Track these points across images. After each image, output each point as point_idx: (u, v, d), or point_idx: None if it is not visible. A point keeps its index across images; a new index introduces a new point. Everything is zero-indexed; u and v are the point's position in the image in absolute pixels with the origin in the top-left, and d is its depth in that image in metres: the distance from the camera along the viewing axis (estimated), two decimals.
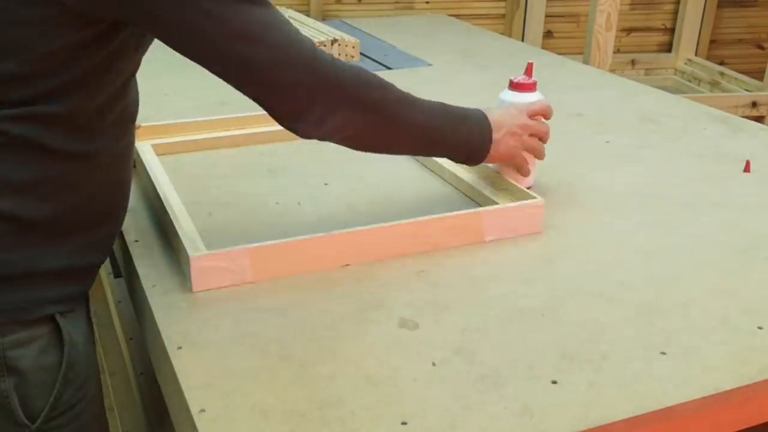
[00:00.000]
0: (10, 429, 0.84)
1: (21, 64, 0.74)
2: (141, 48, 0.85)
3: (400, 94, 0.93)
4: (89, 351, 0.90)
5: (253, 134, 1.31)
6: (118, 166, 0.89)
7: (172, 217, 0.95)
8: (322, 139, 0.89)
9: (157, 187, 1.04)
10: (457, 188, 1.16)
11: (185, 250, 0.87)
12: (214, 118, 1.32)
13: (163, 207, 0.98)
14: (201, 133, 1.30)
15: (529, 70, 1.15)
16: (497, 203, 1.04)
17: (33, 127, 0.77)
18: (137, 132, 1.21)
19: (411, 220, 0.96)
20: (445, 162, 1.18)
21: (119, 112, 0.85)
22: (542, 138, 1.10)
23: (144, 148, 1.20)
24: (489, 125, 1.03)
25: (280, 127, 0.88)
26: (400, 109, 0.93)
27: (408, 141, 0.97)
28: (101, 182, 0.85)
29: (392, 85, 0.93)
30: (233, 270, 0.88)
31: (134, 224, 1.02)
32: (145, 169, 1.12)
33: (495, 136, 1.03)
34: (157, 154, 1.19)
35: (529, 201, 1.02)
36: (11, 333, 0.81)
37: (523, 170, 1.10)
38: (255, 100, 0.85)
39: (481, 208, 1.01)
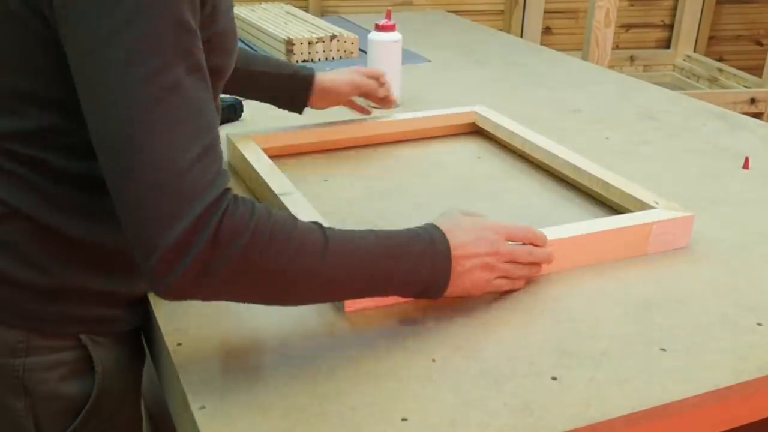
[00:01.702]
0: None
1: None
2: None
3: (311, 245, 0.69)
4: (127, 380, 0.86)
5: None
6: None
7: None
8: (194, 298, 0.67)
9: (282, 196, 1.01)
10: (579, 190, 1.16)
11: None
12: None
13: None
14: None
15: (388, 15, 1.48)
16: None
17: (87, 162, 0.73)
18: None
19: (588, 231, 0.93)
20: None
21: None
22: (516, 272, 0.86)
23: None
24: (446, 252, 0.79)
25: None
26: (307, 268, 0.69)
27: (320, 295, 0.74)
28: None
29: (305, 231, 0.69)
30: None
31: None
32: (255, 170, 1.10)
33: (458, 267, 0.80)
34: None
35: (679, 213, 0.98)
36: (36, 354, 0.78)
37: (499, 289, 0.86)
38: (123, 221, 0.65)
39: (652, 220, 0.95)
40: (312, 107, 1.25)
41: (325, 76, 1.24)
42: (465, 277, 0.81)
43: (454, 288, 0.80)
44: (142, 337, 0.90)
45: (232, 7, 0.82)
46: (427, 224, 0.81)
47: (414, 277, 0.77)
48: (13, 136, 0.74)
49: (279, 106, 1.24)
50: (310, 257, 0.69)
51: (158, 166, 0.62)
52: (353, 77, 1.26)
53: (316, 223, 0.72)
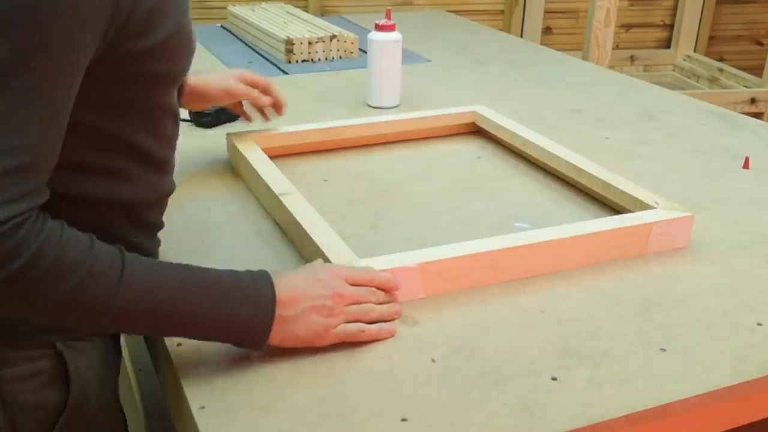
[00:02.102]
0: None
1: None
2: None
3: (103, 277, 0.66)
4: (103, 384, 0.84)
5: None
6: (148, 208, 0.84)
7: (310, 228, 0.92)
8: None
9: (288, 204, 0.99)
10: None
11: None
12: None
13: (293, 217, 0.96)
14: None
15: (388, 15, 1.48)
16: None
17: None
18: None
19: (589, 231, 0.93)
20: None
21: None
22: (368, 313, 0.79)
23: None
24: (270, 298, 0.73)
25: None
26: (93, 301, 0.66)
27: (110, 327, 0.70)
28: (125, 218, 0.80)
29: (98, 259, 0.66)
30: (403, 288, 0.84)
31: None
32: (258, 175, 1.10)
33: (284, 312, 0.74)
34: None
35: (679, 213, 0.98)
36: (11, 366, 0.76)
37: (359, 338, 0.78)
38: None
39: (652, 220, 0.96)
40: (182, 106, 1.08)
41: (198, 78, 1.15)
42: (296, 323, 0.74)
43: (285, 336, 0.74)
44: (120, 338, 0.89)
45: (185, 10, 0.78)
46: (258, 270, 0.76)
47: (226, 321, 0.72)
48: None
49: None
50: (97, 289, 0.66)
51: None
52: (228, 84, 1.17)
53: (118, 248, 0.69)
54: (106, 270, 0.66)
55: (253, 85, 1.19)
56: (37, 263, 0.63)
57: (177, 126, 0.87)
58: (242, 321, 0.72)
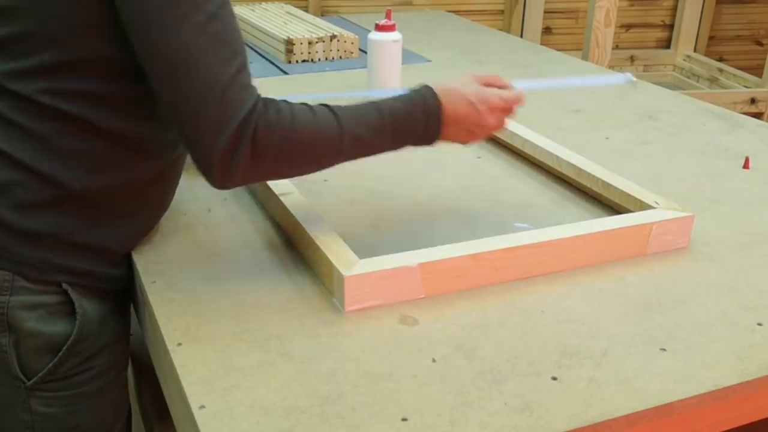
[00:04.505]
0: (5, 380, 0.87)
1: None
2: None
3: (328, 131, 0.83)
4: (104, 329, 0.91)
5: None
6: (165, 164, 0.91)
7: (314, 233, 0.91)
8: (247, 182, 0.84)
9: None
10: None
11: (338, 269, 0.83)
12: None
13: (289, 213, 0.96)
14: None
15: (388, 15, 1.50)
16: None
17: (82, 105, 0.81)
18: None
19: (589, 231, 0.93)
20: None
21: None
22: (510, 101, 0.95)
23: None
24: (436, 127, 0.90)
25: None
26: (326, 149, 0.84)
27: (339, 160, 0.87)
28: (143, 173, 0.88)
29: (321, 119, 0.83)
30: (402, 288, 0.85)
31: None
32: None
33: (445, 136, 0.92)
34: None
35: (679, 213, 0.98)
36: (19, 294, 0.84)
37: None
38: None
39: (653, 220, 0.96)
40: None
41: None
42: (450, 138, 0.92)
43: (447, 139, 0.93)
44: (130, 304, 0.96)
45: None
46: (429, 98, 0.89)
47: (407, 144, 0.90)
48: (9, 75, 0.80)
49: None
50: (327, 138, 0.83)
51: (208, 82, 0.75)
52: None
53: (327, 106, 0.84)
54: (329, 121, 0.83)
55: None
56: (291, 134, 0.80)
57: None
58: (413, 144, 0.91)
